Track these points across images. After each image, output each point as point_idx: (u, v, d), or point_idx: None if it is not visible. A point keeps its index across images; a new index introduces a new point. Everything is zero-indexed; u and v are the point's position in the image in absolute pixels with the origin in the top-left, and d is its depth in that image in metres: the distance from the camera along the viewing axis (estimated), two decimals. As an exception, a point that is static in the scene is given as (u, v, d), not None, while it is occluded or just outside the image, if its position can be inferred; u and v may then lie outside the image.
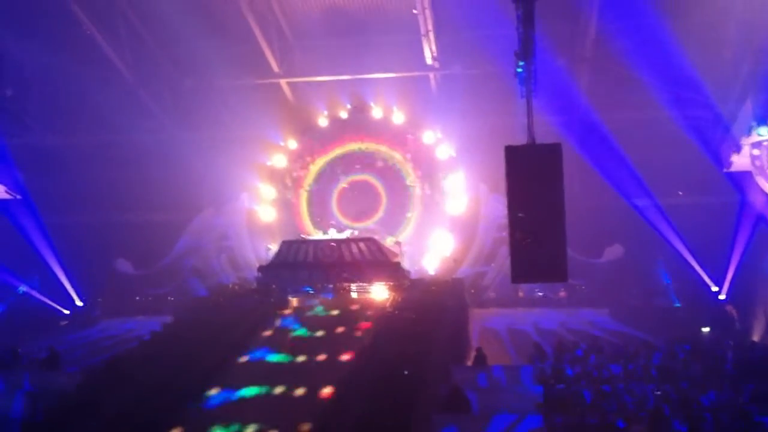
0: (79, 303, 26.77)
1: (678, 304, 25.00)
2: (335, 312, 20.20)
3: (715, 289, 24.17)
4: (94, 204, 27.19)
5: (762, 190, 22.05)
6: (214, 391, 14.81)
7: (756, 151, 21.87)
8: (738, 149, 22.41)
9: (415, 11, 25.46)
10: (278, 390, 14.87)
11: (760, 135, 21.73)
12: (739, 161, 22.64)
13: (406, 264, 25.23)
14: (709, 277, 24.28)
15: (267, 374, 15.65)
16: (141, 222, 27.43)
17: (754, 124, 21.80)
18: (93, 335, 24.09)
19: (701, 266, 24.39)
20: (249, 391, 14.85)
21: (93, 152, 27.28)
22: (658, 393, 15.30)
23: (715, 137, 23.40)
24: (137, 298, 27.56)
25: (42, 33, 24.87)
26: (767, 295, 22.92)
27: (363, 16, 25.89)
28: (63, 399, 15.47)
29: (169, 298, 27.05)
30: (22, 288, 25.76)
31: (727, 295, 23.90)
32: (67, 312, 26.45)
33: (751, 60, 21.91)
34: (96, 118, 26.60)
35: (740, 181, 23.23)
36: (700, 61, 22.28)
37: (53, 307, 26.22)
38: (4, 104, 25.91)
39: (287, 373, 15.60)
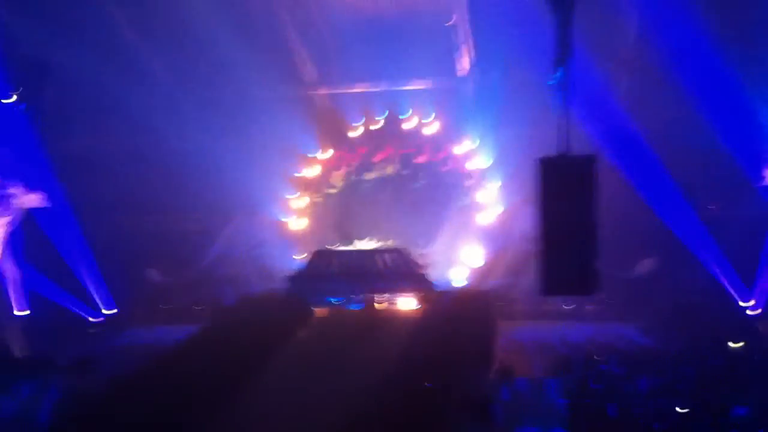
0: (108, 311, 26.91)
1: (708, 319, 24.70)
2: (363, 323, 20.18)
3: (746, 304, 23.86)
4: (128, 208, 27.37)
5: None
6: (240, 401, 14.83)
7: (791, 165, 21.65)
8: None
9: (451, 22, 25.48)
10: (302, 400, 14.86)
11: (795, 149, 21.51)
12: (775, 175, 22.42)
13: (434, 275, 25.16)
14: (741, 291, 23.97)
15: (294, 385, 15.65)
16: (172, 230, 27.58)
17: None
18: (121, 343, 24.20)
19: (733, 281, 24.08)
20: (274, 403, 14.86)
21: (127, 158, 27.46)
22: (685, 410, 15.09)
23: (751, 150, 23.13)
24: (166, 306, 27.68)
25: (83, 38, 25.11)
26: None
27: (399, 25, 25.88)
28: (90, 406, 15.52)
29: (198, 307, 27.15)
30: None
31: (757, 310, 23.60)
32: (95, 319, 26.60)
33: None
34: (134, 124, 26.76)
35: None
36: (742, 69, 22.00)
37: (82, 314, 26.38)
38: (46, 109, 26.20)
39: (313, 385, 15.58)
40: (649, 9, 22.67)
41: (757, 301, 23.57)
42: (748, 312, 23.69)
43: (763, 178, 22.82)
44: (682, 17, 21.64)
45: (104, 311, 26.79)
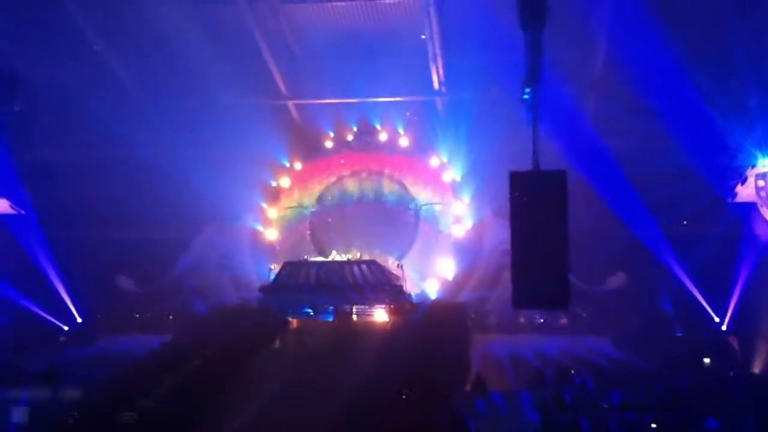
0: (79, 319, 26.71)
1: (680, 334, 24.89)
2: (335, 335, 20.13)
3: (717, 319, 24.05)
4: (97, 219, 27.09)
5: (766, 221, 21.98)
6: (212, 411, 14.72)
7: (761, 182, 21.84)
8: (743, 180, 22.38)
9: (423, 36, 25.59)
10: (275, 411, 14.80)
11: (765, 166, 21.71)
12: (744, 192, 22.59)
13: (408, 287, 25.17)
14: (712, 307, 24.16)
15: (266, 397, 15.58)
16: (144, 239, 27.35)
17: (759, 154, 21.79)
18: (92, 352, 23.98)
19: (704, 296, 24.27)
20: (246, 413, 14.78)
21: (97, 168, 27.24)
22: (654, 426, 15.20)
23: (721, 167, 23.36)
24: (137, 315, 27.52)
25: (50, 49, 24.94)
26: (769, 326, 22.80)
27: (372, 39, 25.91)
28: (60, 415, 15.39)
29: (169, 316, 26.99)
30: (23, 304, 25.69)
31: (729, 325, 23.78)
32: (66, 328, 26.39)
33: (759, 90, 21.92)
34: (101, 134, 26.55)
35: (745, 212, 23.15)
36: (708, 90, 22.27)
37: (53, 323, 26.15)
38: (13, 121, 25.97)
39: (286, 397, 15.52)
40: (617, 32, 22.93)
41: (729, 316, 23.75)
42: (722, 327, 23.89)
43: (734, 194, 23.03)
44: (650, 40, 21.90)
45: (76, 319, 26.58)
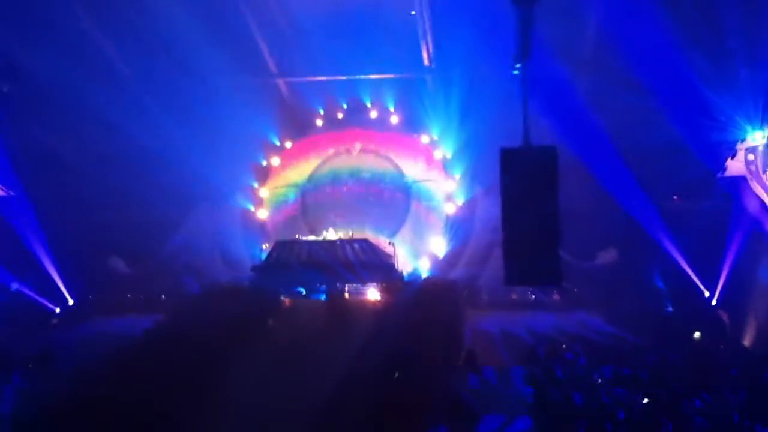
0: (71, 301, 26.70)
1: (671, 309, 25.01)
2: (327, 314, 20.15)
3: (707, 293, 24.16)
4: (88, 201, 26.97)
5: (756, 195, 22.06)
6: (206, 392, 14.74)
7: (751, 156, 21.92)
8: (733, 154, 22.42)
9: (413, 13, 25.49)
10: (268, 392, 14.82)
11: (755, 140, 21.75)
12: (734, 166, 22.65)
13: (399, 265, 25.21)
14: (702, 282, 24.28)
15: (259, 376, 15.60)
16: (134, 220, 27.26)
17: (749, 128, 21.82)
18: (84, 333, 23.96)
19: (694, 271, 24.39)
20: (240, 394, 14.79)
21: (88, 149, 27.09)
22: (646, 401, 15.28)
23: (711, 142, 23.41)
24: (129, 296, 27.50)
25: (41, 30, 24.75)
26: (759, 301, 22.89)
27: (361, 16, 25.81)
28: (54, 397, 15.38)
29: (161, 296, 26.99)
30: (15, 285, 25.61)
31: (719, 300, 23.90)
32: (58, 310, 26.37)
33: (750, 65, 21.93)
34: (91, 116, 26.42)
35: (735, 186, 23.22)
36: (698, 64, 22.28)
37: (45, 305, 26.13)
38: (3, 103, 25.84)
39: (278, 376, 15.54)
40: (609, 7, 22.90)
41: (720, 291, 23.86)
42: (712, 302, 24.00)
43: (724, 169, 23.08)
44: (641, 15, 21.88)
45: (68, 301, 26.58)
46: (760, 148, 21.75)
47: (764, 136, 21.62)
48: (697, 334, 22.40)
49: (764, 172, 21.74)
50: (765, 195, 21.73)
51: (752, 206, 22.55)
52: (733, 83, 22.29)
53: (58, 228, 26.20)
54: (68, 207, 26.73)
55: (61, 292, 26.53)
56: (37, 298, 26.00)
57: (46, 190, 26.06)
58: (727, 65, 22.21)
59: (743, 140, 22.06)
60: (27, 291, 25.91)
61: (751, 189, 22.15)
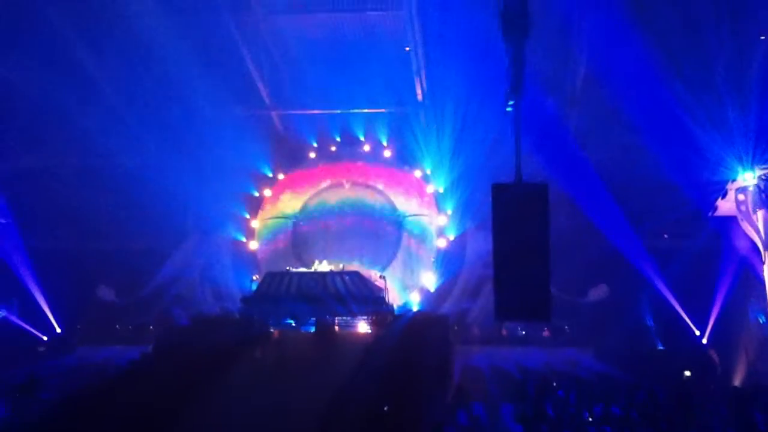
0: (58, 329, 26.52)
1: (661, 347, 24.98)
2: (316, 346, 20.05)
3: (697, 332, 24.14)
4: (77, 229, 26.91)
5: (746, 235, 22.10)
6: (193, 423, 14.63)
7: (741, 196, 21.94)
8: (723, 194, 22.50)
9: (407, 48, 25.70)
10: (255, 423, 14.71)
11: (745, 180, 21.84)
12: (725, 206, 22.71)
13: (390, 299, 25.16)
14: (692, 320, 24.25)
15: (246, 407, 15.49)
16: (125, 249, 27.18)
17: (739, 168, 21.93)
18: (71, 362, 23.79)
19: (684, 309, 24.37)
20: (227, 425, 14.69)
21: (77, 176, 27.09)
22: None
23: (701, 181, 23.50)
24: (117, 326, 27.35)
25: (28, 53, 24.81)
26: (749, 340, 22.88)
27: (356, 50, 25.98)
28: (39, 426, 15.23)
29: (149, 327, 26.85)
30: (2, 313, 25.44)
31: (709, 338, 23.87)
32: (45, 338, 26.18)
33: (739, 106, 22.08)
34: (81, 142, 26.47)
35: (725, 226, 23.27)
36: (688, 103, 22.44)
37: (32, 333, 25.94)
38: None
39: (265, 409, 15.44)
40: (598, 45, 23.11)
41: (710, 329, 23.84)
42: (702, 341, 23.97)
43: (714, 208, 23.15)
44: (630, 54, 22.07)
45: (55, 330, 26.41)
46: (750, 188, 21.78)
47: (754, 176, 21.68)
48: (687, 373, 22.34)
49: (754, 212, 21.78)
50: (755, 235, 21.75)
51: (742, 246, 22.57)
52: (723, 123, 22.43)
53: (46, 256, 26.08)
54: (58, 235, 26.68)
55: (49, 321, 26.33)
56: (24, 326, 25.81)
57: (35, 218, 25.98)
58: (717, 104, 22.37)
59: (734, 180, 22.12)
60: (14, 319, 25.72)
61: (741, 229, 22.18)
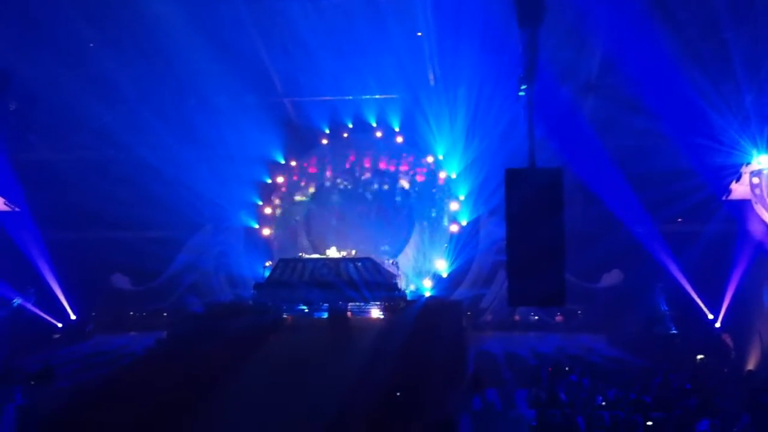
0: (73, 317, 26.66)
1: (674, 331, 24.93)
2: (329, 332, 20.12)
3: (711, 316, 24.06)
4: (93, 219, 26.98)
5: (761, 219, 22.00)
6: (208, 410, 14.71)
7: (756, 180, 21.84)
8: (738, 177, 22.40)
9: (419, 34, 25.62)
10: (270, 409, 14.77)
11: (760, 163, 21.74)
12: (739, 189, 22.61)
13: (403, 285, 25.18)
14: (706, 304, 24.17)
15: (261, 394, 15.56)
16: (140, 238, 27.24)
17: (754, 152, 21.82)
18: (86, 350, 23.95)
19: (699, 294, 24.30)
20: (241, 411, 14.76)
21: (93, 167, 27.17)
22: (649, 424, 15.18)
23: (716, 165, 23.38)
24: (132, 313, 27.51)
25: (47, 48, 24.90)
26: (763, 324, 22.80)
27: (367, 36, 25.90)
28: (55, 414, 15.34)
29: (164, 314, 26.98)
30: (17, 301, 25.59)
31: (723, 323, 23.80)
32: (60, 325, 26.33)
33: (755, 89, 21.95)
34: (98, 134, 26.60)
35: (739, 210, 23.16)
36: (703, 87, 22.32)
37: (48, 321, 26.10)
38: (8, 118, 25.92)
39: (279, 395, 15.50)
40: (614, 31, 22.98)
41: (724, 314, 23.77)
42: (716, 325, 23.90)
43: (729, 192, 23.05)
44: (646, 38, 21.95)
45: (71, 317, 26.57)
46: (765, 172, 21.67)
47: (769, 160, 21.60)
48: (700, 357, 22.30)
49: (769, 195, 21.69)
50: (770, 219, 21.70)
51: (757, 230, 22.47)
52: (738, 107, 22.29)
53: (61, 244, 26.22)
54: (72, 223, 26.79)
55: (64, 308, 26.48)
56: (40, 313, 25.97)
57: (50, 206, 26.08)
58: (731, 89, 22.23)
59: (748, 164, 22.00)
60: (29, 306, 25.88)
61: (755, 212, 22.07)
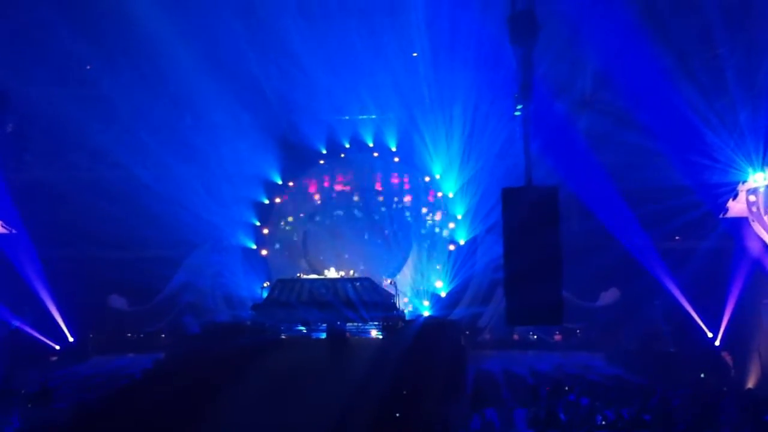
0: (71, 338, 26.57)
1: (673, 350, 24.90)
2: (327, 352, 20.07)
3: (710, 335, 24.02)
4: (89, 238, 26.92)
5: (758, 237, 22.02)
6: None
7: (752, 197, 21.85)
8: (734, 195, 22.43)
9: (415, 54, 25.75)
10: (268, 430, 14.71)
11: (756, 181, 21.77)
12: (736, 207, 22.63)
13: (401, 304, 25.16)
14: (705, 322, 24.14)
15: (258, 415, 15.50)
16: (136, 257, 27.22)
17: (750, 170, 21.86)
18: (83, 371, 23.87)
19: (697, 312, 24.26)
20: None
21: (90, 187, 27.13)
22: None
23: (712, 182, 23.42)
24: (129, 334, 27.45)
25: (43, 68, 24.98)
26: (763, 342, 22.76)
27: (364, 56, 26.02)
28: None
29: (161, 335, 26.92)
30: (15, 323, 25.51)
31: (722, 341, 23.77)
32: (58, 347, 26.24)
33: (750, 105, 22.02)
34: (94, 153, 26.63)
35: (737, 227, 23.18)
36: (699, 105, 22.41)
37: (45, 342, 26.00)
38: (5, 140, 25.97)
39: (277, 416, 15.45)
40: (608, 47, 23.11)
41: (722, 332, 23.73)
42: (715, 343, 23.86)
43: (726, 210, 23.07)
44: (640, 55, 22.06)
45: (68, 338, 26.47)
46: (761, 190, 21.70)
47: (765, 177, 21.57)
48: (700, 375, 22.27)
49: (766, 213, 21.68)
50: (767, 236, 21.69)
51: (754, 247, 22.46)
52: (733, 123, 22.37)
53: (58, 265, 26.13)
54: (68, 243, 26.73)
55: (61, 330, 26.38)
56: (37, 335, 25.86)
57: (47, 227, 26.02)
58: (726, 105, 22.32)
59: (744, 181, 22.04)
60: (26, 328, 25.79)
61: (753, 230, 22.09)
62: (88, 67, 25.83)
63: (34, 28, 24.50)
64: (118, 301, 28.11)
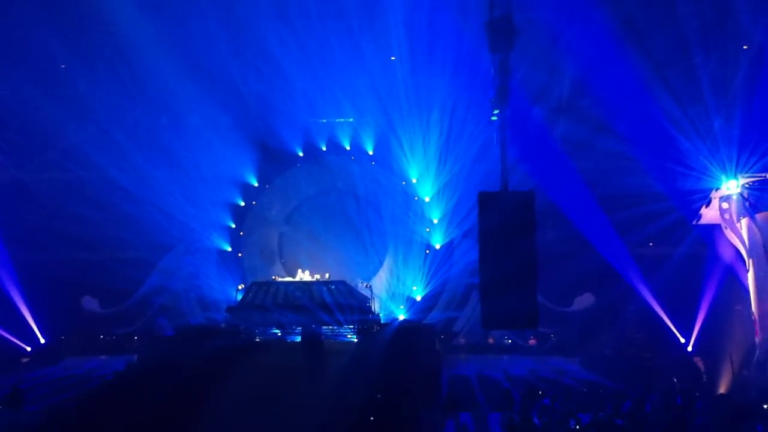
0: (42, 340, 26.31)
1: (646, 355, 25.03)
2: (302, 355, 20.01)
3: (683, 340, 24.19)
4: (62, 240, 26.75)
5: (730, 243, 22.21)
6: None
7: (725, 205, 22.05)
8: (708, 202, 22.61)
9: (393, 58, 25.77)
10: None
11: (729, 189, 21.96)
12: (709, 214, 22.82)
13: (376, 308, 25.15)
14: (678, 328, 24.31)
15: (233, 417, 15.43)
16: (110, 259, 27.06)
17: (723, 177, 22.05)
18: (56, 373, 23.62)
19: (670, 317, 24.43)
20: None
21: (63, 188, 26.97)
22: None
23: (686, 189, 23.61)
24: (102, 336, 27.22)
25: (17, 68, 24.77)
26: (734, 348, 22.93)
27: (342, 59, 26.02)
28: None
29: (134, 337, 26.73)
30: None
31: (694, 346, 23.93)
32: (29, 349, 25.97)
33: (723, 114, 22.24)
34: (68, 154, 26.41)
35: (709, 234, 23.37)
36: (674, 113, 22.60)
37: (16, 344, 25.73)
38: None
39: (253, 420, 15.39)
40: (585, 56, 23.26)
41: (695, 337, 23.90)
42: (687, 348, 24.02)
43: (699, 217, 23.25)
44: (617, 64, 22.22)
45: (39, 340, 26.21)
46: (734, 197, 21.91)
47: (738, 185, 21.80)
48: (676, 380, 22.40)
49: (738, 220, 21.89)
50: (739, 243, 21.88)
51: (727, 254, 22.68)
52: (707, 131, 22.59)
53: (31, 267, 25.90)
54: (41, 244, 26.51)
55: (33, 331, 26.12)
56: (8, 336, 25.59)
57: (19, 227, 25.82)
58: (700, 113, 22.53)
59: (717, 188, 22.24)
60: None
61: (725, 237, 22.30)
62: (63, 66, 25.54)
63: (8, 28, 24.26)
64: (90, 303, 27.89)
